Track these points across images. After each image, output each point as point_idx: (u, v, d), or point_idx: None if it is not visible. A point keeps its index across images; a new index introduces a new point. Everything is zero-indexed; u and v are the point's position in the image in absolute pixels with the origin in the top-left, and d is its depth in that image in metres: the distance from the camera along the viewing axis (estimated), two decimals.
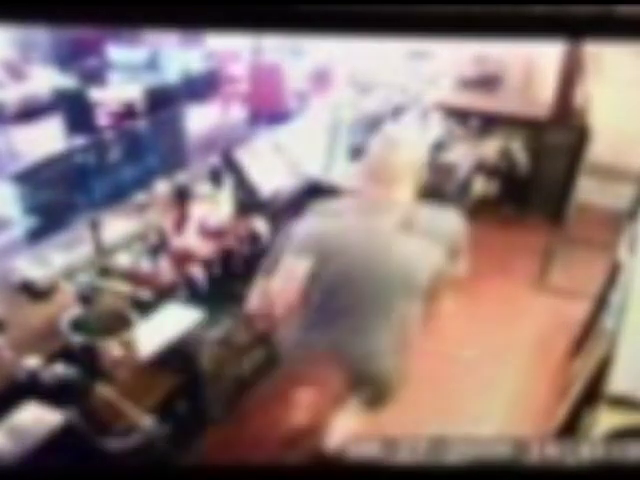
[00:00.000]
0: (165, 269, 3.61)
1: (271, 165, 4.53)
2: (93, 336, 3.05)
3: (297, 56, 4.95)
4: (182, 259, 3.70)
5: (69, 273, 3.37)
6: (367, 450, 2.12)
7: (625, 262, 3.75)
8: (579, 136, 5.79)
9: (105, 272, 3.50)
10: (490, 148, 5.66)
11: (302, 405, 2.86)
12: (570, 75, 5.79)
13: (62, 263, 3.37)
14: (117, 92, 3.91)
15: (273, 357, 4.16)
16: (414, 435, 2.01)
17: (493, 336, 4.46)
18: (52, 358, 2.98)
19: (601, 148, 5.58)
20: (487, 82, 5.99)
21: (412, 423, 3.69)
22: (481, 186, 5.80)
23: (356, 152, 5.38)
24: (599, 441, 2.48)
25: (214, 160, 4.28)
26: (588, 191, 5.55)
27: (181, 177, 3.95)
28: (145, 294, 3.41)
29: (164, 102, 4.06)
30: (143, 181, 3.85)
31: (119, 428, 2.86)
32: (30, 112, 3.41)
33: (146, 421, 2.96)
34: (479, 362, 4.22)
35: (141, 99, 3.92)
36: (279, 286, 2.71)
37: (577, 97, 5.86)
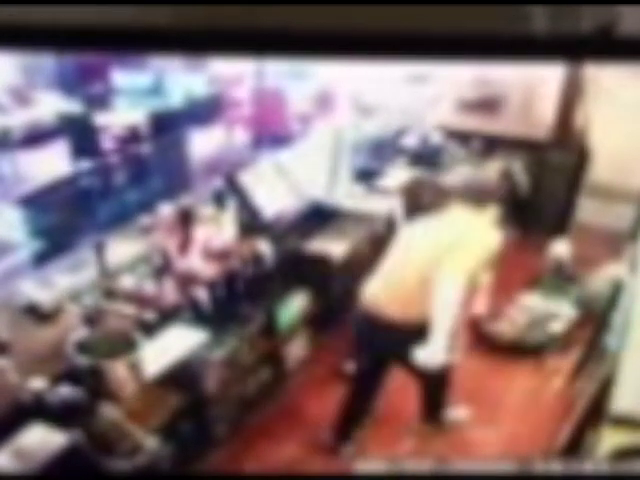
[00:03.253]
0: (169, 291, 3.63)
1: (274, 187, 4.56)
2: (98, 358, 3.07)
3: (300, 80, 4.98)
4: (186, 281, 3.72)
5: (74, 295, 3.39)
6: (373, 468, 2.13)
7: (626, 282, 3.76)
8: (579, 157, 5.83)
9: (110, 294, 3.52)
10: (491, 170, 5.69)
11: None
12: (570, 97, 5.83)
13: (67, 285, 3.39)
14: (122, 116, 3.93)
15: (279, 376, 4.20)
16: (419, 453, 2.03)
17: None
18: (57, 380, 3.00)
19: (601, 169, 5.61)
20: (488, 104, 6.04)
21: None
22: None
23: (360, 175, 5.42)
24: (603, 460, 2.48)
25: (218, 183, 4.31)
26: (589, 212, 5.58)
27: (185, 200, 3.98)
28: (150, 316, 3.44)
29: (168, 126, 4.09)
30: (147, 204, 3.87)
31: (124, 449, 2.87)
32: (35, 137, 3.43)
33: (151, 442, 2.97)
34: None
35: (145, 123, 3.95)
36: None
37: (577, 119, 5.90)
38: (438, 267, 3.30)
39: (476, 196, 3.51)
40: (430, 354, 3.36)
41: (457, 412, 3.99)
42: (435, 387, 3.74)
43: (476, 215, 3.50)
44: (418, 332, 3.36)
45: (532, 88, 5.95)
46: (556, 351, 4.52)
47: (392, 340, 3.50)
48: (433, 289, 3.30)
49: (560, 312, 4.74)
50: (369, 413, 3.76)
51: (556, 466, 2.29)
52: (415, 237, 3.57)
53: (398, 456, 2.14)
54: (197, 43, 2.31)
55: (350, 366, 4.27)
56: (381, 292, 3.53)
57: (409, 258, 3.49)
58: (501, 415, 4.06)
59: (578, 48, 2.30)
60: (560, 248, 4.20)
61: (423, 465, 2.06)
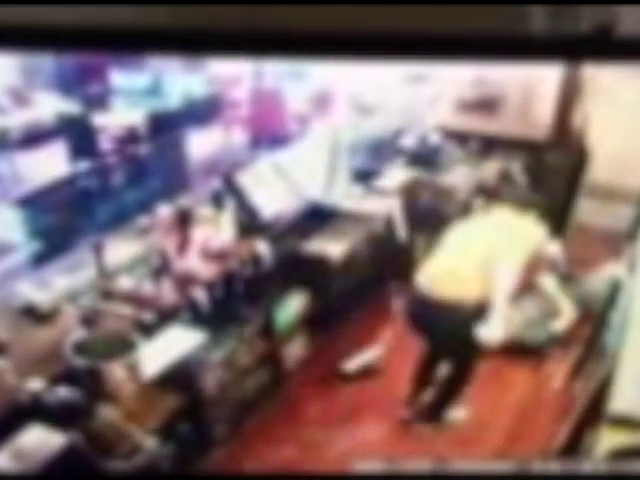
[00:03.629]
0: (168, 291, 3.63)
1: (272, 188, 4.55)
2: (96, 358, 3.07)
3: (298, 80, 4.98)
4: (184, 281, 3.72)
5: (72, 296, 3.39)
6: (371, 468, 2.13)
7: (625, 282, 3.76)
8: (578, 158, 5.82)
9: (108, 295, 3.52)
10: (490, 170, 5.68)
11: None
12: (568, 97, 5.83)
13: (65, 286, 3.39)
14: (120, 117, 3.93)
15: (277, 377, 4.20)
16: (418, 454, 2.03)
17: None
18: (55, 381, 2.99)
19: (600, 169, 5.61)
20: (486, 105, 6.03)
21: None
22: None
23: (358, 175, 5.42)
24: (601, 460, 2.49)
25: (216, 183, 4.31)
26: (587, 212, 5.58)
27: (183, 200, 3.98)
28: (148, 316, 3.43)
29: (166, 126, 4.09)
30: (146, 204, 3.87)
31: (122, 449, 2.87)
32: (34, 137, 3.43)
33: (149, 442, 2.97)
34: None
35: (144, 124, 3.95)
36: None
37: (575, 119, 5.90)
38: (496, 257, 3.72)
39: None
40: (492, 330, 3.73)
41: (456, 412, 4.02)
42: (458, 377, 4.01)
43: (519, 217, 3.98)
44: (476, 311, 3.73)
45: (530, 88, 5.95)
46: (556, 349, 4.55)
47: (451, 320, 3.80)
48: (493, 274, 3.71)
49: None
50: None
51: (554, 466, 2.29)
52: (470, 233, 3.99)
53: (396, 455, 2.14)
54: (195, 44, 2.31)
55: (350, 365, 4.29)
56: (441, 279, 3.85)
57: (468, 251, 3.87)
58: (500, 415, 4.06)
59: (577, 48, 2.30)
60: (552, 248, 4.22)
61: (422, 465, 2.06)
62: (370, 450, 3.66)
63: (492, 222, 4.02)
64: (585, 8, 2.33)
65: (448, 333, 3.86)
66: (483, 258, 3.77)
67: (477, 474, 2.08)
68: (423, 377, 4.11)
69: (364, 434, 3.81)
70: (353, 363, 4.35)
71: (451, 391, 4.02)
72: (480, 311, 3.74)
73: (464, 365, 3.95)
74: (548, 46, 2.30)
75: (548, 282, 4.46)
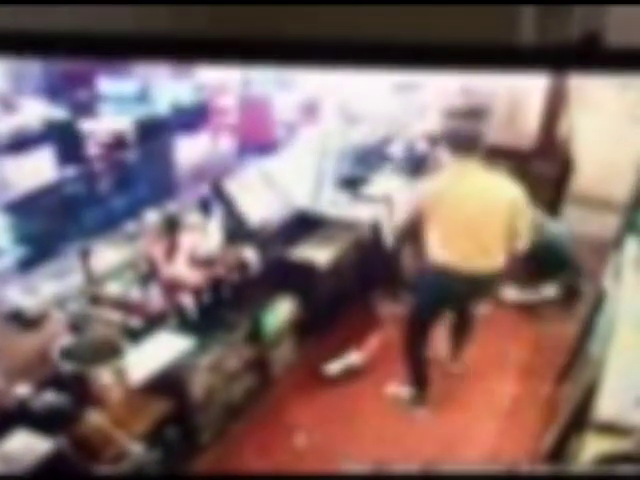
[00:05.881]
0: (155, 297, 3.63)
1: (260, 195, 4.57)
2: (83, 364, 3.07)
3: (286, 88, 5.00)
4: (172, 287, 3.72)
5: (60, 302, 3.39)
6: (359, 469, 2.14)
7: (610, 290, 3.79)
8: (563, 167, 5.86)
9: (95, 300, 3.52)
10: None
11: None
12: (554, 107, 5.88)
13: (53, 292, 3.39)
14: (108, 123, 3.93)
15: (264, 382, 4.20)
16: (407, 457, 2.03)
17: (482, 359, 4.51)
18: (42, 386, 2.99)
19: (585, 179, 5.66)
20: (473, 114, 6.07)
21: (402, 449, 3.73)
22: None
23: (345, 183, 5.44)
24: (586, 467, 2.50)
25: (204, 190, 4.32)
26: (573, 221, 5.61)
27: (171, 207, 3.98)
28: (135, 322, 3.44)
29: (154, 133, 4.10)
30: (133, 211, 3.88)
31: (109, 455, 2.87)
32: (21, 143, 3.42)
33: (136, 448, 2.97)
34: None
35: (131, 130, 3.95)
36: None
37: (561, 128, 5.94)
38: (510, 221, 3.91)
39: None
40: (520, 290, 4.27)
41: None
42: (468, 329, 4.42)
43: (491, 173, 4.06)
44: (499, 276, 4.05)
45: (517, 98, 5.99)
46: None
47: (475, 287, 4.04)
48: (515, 236, 3.93)
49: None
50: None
51: (542, 469, 2.30)
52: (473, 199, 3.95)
53: (384, 458, 2.15)
54: (184, 51, 2.32)
55: (332, 367, 4.31)
56: (462, 249, 3.92)
57: (487, 217, 3.94)
58: (487, 420, 4.07)
59: (564, 59, 2.32)
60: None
61: (409, 467, 2.07)
62: (358, 453, 3.66)
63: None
64: (572, 19, 2.35)
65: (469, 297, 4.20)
66: (503, 226, 3.88)
67: (465, 476, 2.09)
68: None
69: (351, 437, 3.82)
70: (335, 366, 4.38)
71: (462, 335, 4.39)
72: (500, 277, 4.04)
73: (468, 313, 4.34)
74: (535, 56, 2.32)
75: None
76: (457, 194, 3.92)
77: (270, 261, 4.30)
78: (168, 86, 4.36)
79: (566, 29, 2.39)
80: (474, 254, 3.91)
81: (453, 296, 4.11)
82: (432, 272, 4.01)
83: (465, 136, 4.23)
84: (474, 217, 3.88)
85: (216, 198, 4.32)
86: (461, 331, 4.42)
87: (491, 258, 3.93)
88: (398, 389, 4.23)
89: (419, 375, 4.18)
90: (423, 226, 3.99)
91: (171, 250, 3.84)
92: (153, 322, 3.54)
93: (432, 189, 4.02)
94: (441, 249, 3.93)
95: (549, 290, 5.05)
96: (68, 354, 3.10)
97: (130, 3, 2.29)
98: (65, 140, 3.66)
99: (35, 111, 3.71)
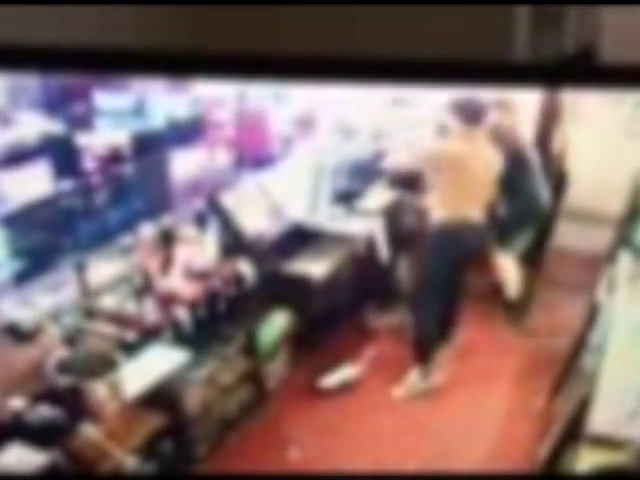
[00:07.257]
0: (150, 311, 3.63)
1: (256, 208, 4.58)
2: (78, 378, 3.07)
3: (282, 102, 5.01)
4: (167, 301, 3.72)
5: (55, 315, 3.38)
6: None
7: (604, 304, 3.81)
8: (557, 181, 5.88)
9: (91, 314, 3.52)
10: None
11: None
12: (548, 121, 5.89)
13: (48, 305, 3.38)
14: (104, 137, 3.94)
15: (260, 395, 4.20)
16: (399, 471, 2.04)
17: (473, 374, 4.50)
18: (37, 399, 2.99)
19: (579, 193, 5.67)
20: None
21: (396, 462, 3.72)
22: None
23: (341, 196, 5.45)
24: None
25: (199, 203, 4.33)
26: (567, 235, 5.62)
27: (166, 220, 3.99)
28: (130, 336, 3.44)
29: (150, 147, 4.10)
30: (129, 224, 3.88)
31: (104, 469, 2.86)
32: (17, 157, 3.43)
33: (131, 462, 2.97)
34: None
35: (127, 144, 3.96)
36: None
37: (555, 143, 5.96)
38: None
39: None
40: None
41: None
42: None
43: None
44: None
45: (510, 112, 6.01)
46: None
47: (475, 237, 4.32)
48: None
49: None
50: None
51: None
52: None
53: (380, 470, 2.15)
54: (180, 66, 2.34)
55: (328, 381, 4.32)
56: (462, 202, 4.26)
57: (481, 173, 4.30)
58: (479, 432, 4.07)
59: (558, 74, 2.34)
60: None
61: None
62: (353, 467, 3.66)
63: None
64: (567, 33, 2.38)
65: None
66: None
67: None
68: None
69: (347, 451, 3.81)
70: (331, 379, 4.38)
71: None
72: None
73: None
74: (528, 71, 2.34)
75: None
76: (464, 157, 4.23)
77: (266, 274, 4.31)
78: (164, 100, 4.37)
79: (560, 44, 2.42)
80: (473, 210, 4.25)
81: (461, 247, 4.31)
82: (435, 230, 4.29)
83: (474, 107, 4.51)
84: (477, 177, 4.23)
85: (212, 211, 4.32)
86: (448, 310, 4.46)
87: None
88: (404, 383, 4.28)
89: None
90: (423, 179, 4.41)
91: (166, 263, 3.85)
92: (148, 335, 3.54)
93: (439, 148, 4.45)
94: (443, 207, 4.28)
95: None
96: (63, 368, 3.10)
97: (128, 16, 2.32)
98: (61, 154, 3.66)
99: (32, 125, 3.71)
